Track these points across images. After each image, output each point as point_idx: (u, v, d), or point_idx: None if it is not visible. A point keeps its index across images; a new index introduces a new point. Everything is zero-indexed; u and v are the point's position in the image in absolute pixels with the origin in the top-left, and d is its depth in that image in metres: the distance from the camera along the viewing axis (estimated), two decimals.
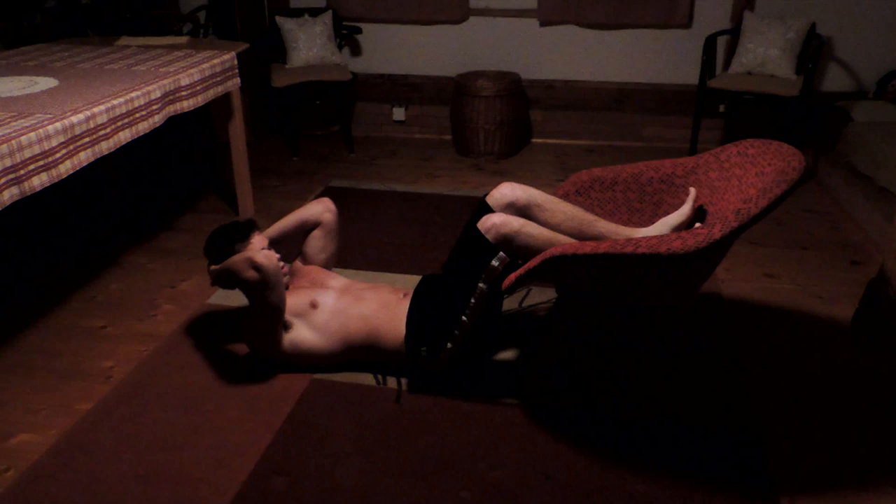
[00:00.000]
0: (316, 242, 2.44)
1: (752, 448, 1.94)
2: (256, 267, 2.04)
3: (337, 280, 2.37)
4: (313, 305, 2.20)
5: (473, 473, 1.86)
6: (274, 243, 2.36)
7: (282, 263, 2.20)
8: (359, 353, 2.21)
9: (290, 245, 2.48)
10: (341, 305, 2.21)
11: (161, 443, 1.98)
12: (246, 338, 2.29)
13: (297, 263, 2.47)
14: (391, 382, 2.22)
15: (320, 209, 2.44)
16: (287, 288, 2.26)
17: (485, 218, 2.04)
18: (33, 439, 2.01)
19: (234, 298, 2.72)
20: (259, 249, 2.16)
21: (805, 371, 2.28)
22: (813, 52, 3.79)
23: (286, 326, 2.18)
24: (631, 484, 1.82)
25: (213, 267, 2.21)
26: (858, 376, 2.25)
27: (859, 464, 1.90)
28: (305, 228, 2.44)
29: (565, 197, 2.32)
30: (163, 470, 1.88)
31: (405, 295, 2.25)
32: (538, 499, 1.78)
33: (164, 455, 1.93)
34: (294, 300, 2.20)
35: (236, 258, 2.11)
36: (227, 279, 2.15)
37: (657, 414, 2.07)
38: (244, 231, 2.26)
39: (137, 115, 2.51)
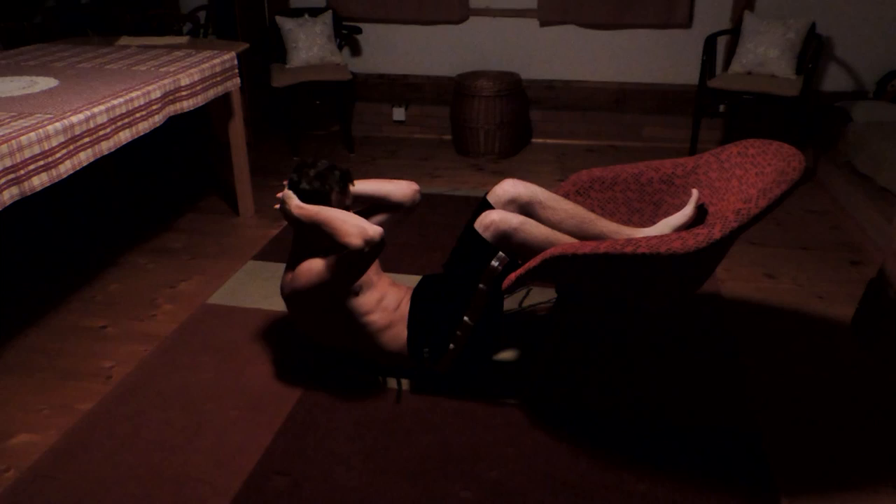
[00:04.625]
0: (381, 219, 2.30)
1: (751, 448, 1.94)
2: (369, 241, 1.87)
3: (374, 268, 2.24)
4: (356, 291, 2.11)
5: (473, 473, 1.86)
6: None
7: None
8: (365, 351, 2.20)
9: (356, 205, 2.27)
10: (369, 303, 2.14)
11: (161, 443, 1.98)
12: (296, 284, 2.07)
13: None
14: (391, 382, 2.22)
15: (410, 195, 2.28)
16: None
17: (483, 215, 2.03)
18: (33, 439, 2.01)
19: (234, 298, 2.72)
20: (369, 223, 1.94)
21: (805, 371, 2.28)
22: (813, 52, 3.79)
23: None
24: (631, 484, 1.82)
25: (296, 201, 2.01)
26: (858, 376, 2.25)
27: (859, 464, 1.90)
28: (384, 203, 2.28)
29: (565, 197, 2.32)
30: (163, 470, 1.88)
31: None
32: (538, 499, 1.78)
33: (164, 455, 1.93)
34: None
35: (347, 219, 1.92)
36: (314, 226, 1.96)
37: (657, 414, 2.07)
38: (345, 180, 2.08)
39: (137, 115, 2.51)
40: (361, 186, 2.22)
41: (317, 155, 2.11)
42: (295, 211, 2.00)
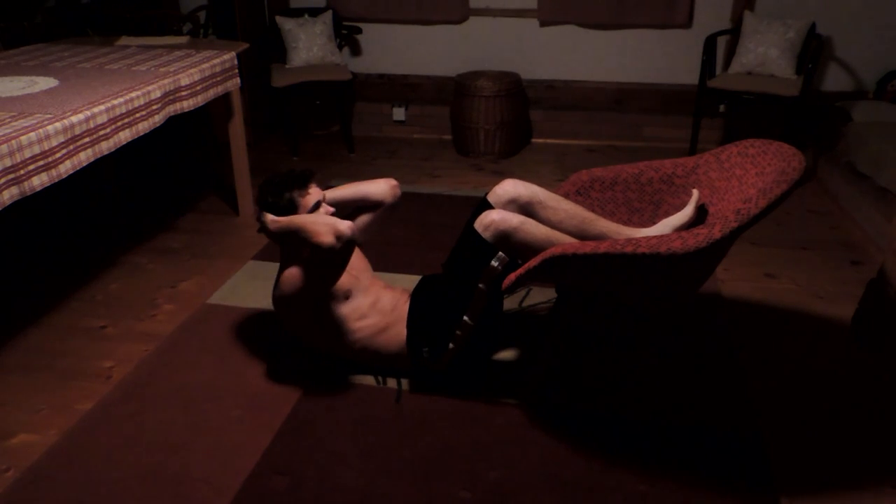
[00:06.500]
0: (366, 220, 2.33)
1: (752, 448, 1.94)
2: (339, 237, 1.91)
3: (366, 273, 2.27)
4: (346, 296, 2.14)
5: (473, 473, 1.86)
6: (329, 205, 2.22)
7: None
8: (361, 354, 2.21)
9: (340, 212, 2.28)
10: (362, 308, 2.16)
11: (161, 443, 1.98)
12: (281, 292, 2.12)
13: None
14: (391, 382, 2.22)
15: (387, 190, 2.29)
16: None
17: (483, 215, 2.03)
18: (33, 439, 2.01)
19: (234, 298, 2.72)
20: (339, 220, 1.99)
21: (805, 371, 2.28)
22: (813, 52, 3.78)
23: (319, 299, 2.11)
24: (631, 484, 1.82)
25: (270, 216, 2.06)
26: (858, 376, 2.25)
27: (859, 464, 1.90)
28: (365, 204, 2.31)
29: (565, 197, 2.32)
30: (163, 470, 1.88)
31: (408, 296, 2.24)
32: (538, 499, 1.78)
33: (164, 455, 1.93)
34: (339, 281, 2.11)
35: (317, 220, 1.97)
36: (289, 235, 2.01)
37: (657, 414, 2.07)
38: (303, 179, 2.12)
39: (137, 115, 2.51)
40: (340, 192, 2.27)
41: (288, 167, 2.18)
42: (271, 226, 2.06)
